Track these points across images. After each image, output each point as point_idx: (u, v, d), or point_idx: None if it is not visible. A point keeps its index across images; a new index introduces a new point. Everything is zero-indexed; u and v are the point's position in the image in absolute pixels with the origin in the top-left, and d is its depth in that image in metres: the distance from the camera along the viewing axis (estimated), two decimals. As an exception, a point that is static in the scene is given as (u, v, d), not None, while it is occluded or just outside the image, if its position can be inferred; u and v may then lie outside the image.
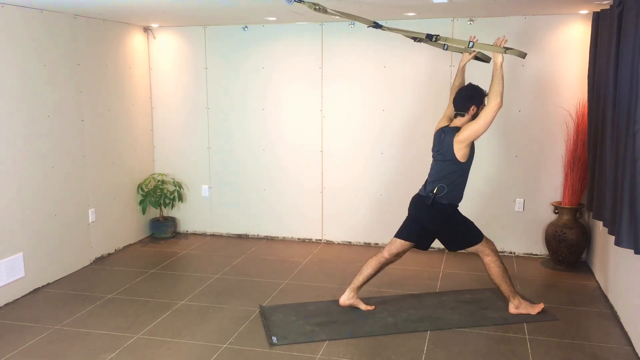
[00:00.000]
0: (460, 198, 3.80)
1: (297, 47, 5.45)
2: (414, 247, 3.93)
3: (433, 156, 3.85)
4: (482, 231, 3.88)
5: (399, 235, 3.92)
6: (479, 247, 3.81)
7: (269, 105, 5.61)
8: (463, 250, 3.95)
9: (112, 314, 3.96)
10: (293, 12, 4.42)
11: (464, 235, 3.82)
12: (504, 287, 3.84)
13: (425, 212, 3.77)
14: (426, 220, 3.81)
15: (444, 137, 3.74)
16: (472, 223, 3.88)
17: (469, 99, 3.72)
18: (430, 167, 3.86)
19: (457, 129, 3.67)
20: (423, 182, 3.87)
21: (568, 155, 4.82)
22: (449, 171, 3.70)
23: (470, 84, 3.81)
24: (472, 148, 3.72)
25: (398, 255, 3.93)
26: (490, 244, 3.85)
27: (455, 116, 3.78)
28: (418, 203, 3.84)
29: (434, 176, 3.76)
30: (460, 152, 3.65)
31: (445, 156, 3.70)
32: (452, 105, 3.85)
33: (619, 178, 3.33)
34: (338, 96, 5.43)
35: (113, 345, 3.49)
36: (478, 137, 3.62)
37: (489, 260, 3.81)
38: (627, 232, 3.17)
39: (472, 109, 3.70)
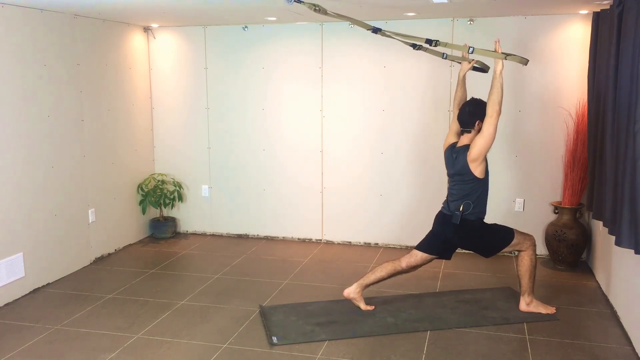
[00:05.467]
0: (485, 211, 3.80)
1: (297, 47, 5.45)
2: (437, 258, 3.93)
3: (449, 175, 3.82)
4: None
5: (421, 248, 3.89)
6: (514, 244, 3.80)
7: (269, 105, 5.61)
8: (500, 253, 3.91)
9: (112, 314, 3.96)
10: (293, 12, 4.42)
11: (494, 240, 3.82)
12: (525, 282, 3.86)
13: (454, 229, 3.74)
14: (454, 237, 3.79)
15: (455, 157, 3.72)
16: (498, 226, 3.88)
17: (472, 114, 3.69)
18: (449, 187, 3.84)
19: (467, 147, 3.65)
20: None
21: (568, 155, 4.82)
22: (471, 189, 3.68)
23: (472, 99, 3.79)
24: (485, 159, 3.71)
25: (415, 268, 3.92)
26: (529, 238, 3.85)
27: (462, 132, 3.76)
28: (444, 221, 3.81)
29: (456, 195, 3.73)
30: (477, 169, 3.64)
31: (465, 177, 3.67)
32: (456, 120, 3.84)
33: (619, 178, 3.33)
34: (338, 96, 5.43)
35: (113, 345, 3.49)
36: (488, 149, 3.61)
37: (524, 253, 3.83)
38: (627, 232, 3.17)
39: (478, 124, 3.68)
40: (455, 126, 3.87)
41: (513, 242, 3.79)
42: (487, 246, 3.85)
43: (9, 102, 4.14)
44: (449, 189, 3.83)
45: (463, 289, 4.41)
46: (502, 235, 3.81)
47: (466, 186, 3.69)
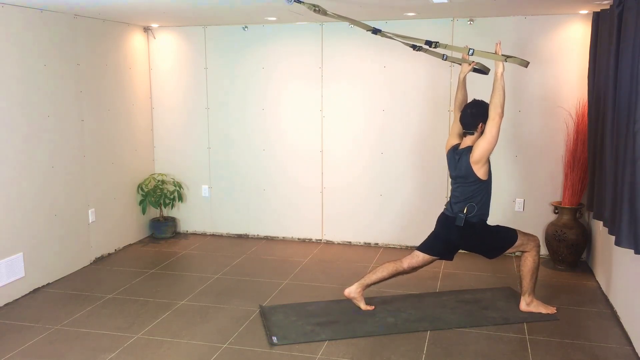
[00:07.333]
0: (488, 213, 3.80)
1: (297, 47, 5.45)
2: (439, 259, 3.93)
3: (452, 177, 3.82)
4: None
5: (423, 249, 3.88)
6: (518, 245, 3.80)
7: (269, 105, 5.61)
8: (505, 253, 3.90)
9: (112, 314, 3.96)
10: (293, 12, 4.42)
11: (497, 242, 3.82)
12: (526, 282, 3.85)
13: (457, 232, 3.73)
14: (457, 240, 3.79)
15: (458, 158, 3.72)
16: (501, 227, 3.89)
17: (475, 116, 3.68)
18: (452, 189, 3.84)
19: (470, 149, 3.65)
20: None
21: (568, 155, 4.82)
22: (474, 191, 3.68)
23: (474, 101, 3.77)
24: (488, 161, 3.71)
25: (416, 269, 3.92)
26: (533, 239, 3.84)
27: (465, 134, 3.75)
28: (447, 223, 3.79)
29: (459, 197, 3.73)
30: (480, 171, 3.64)
31: (467, 179, 3.67)
32: (458, 122, 3.82)
33: (619, 178, 3.33)
34: (338, 96, 5.43)
35: (113, 345, 3.49)
36: (491, 152, 3.60)
37: (527, 254, 3.83)
38: (627, 232, 3.17)
39: (480, 126, 3.67)
40: (457, 128, 3.86)
41: (517, 244, 3.79)
42: (491, 248, 3.85)
43: (9, 102, 4.14)
44: (452, 190, 3.82)
45: (463, 289, 4.41)
46: (505, 237, 3.81)
47: (469, 188, 3.68)
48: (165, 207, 5.92)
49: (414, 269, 3.90)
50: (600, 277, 4.46)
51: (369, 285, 3.96)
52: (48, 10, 4.45)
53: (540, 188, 5.08)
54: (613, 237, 3.42)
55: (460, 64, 4.05)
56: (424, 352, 3.40)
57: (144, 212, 5.66)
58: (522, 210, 5.15)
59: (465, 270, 4.83)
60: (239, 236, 5.91)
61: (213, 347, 3.45)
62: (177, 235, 5.98)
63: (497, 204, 5.10)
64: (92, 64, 5.01)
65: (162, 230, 5.85)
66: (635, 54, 3.12)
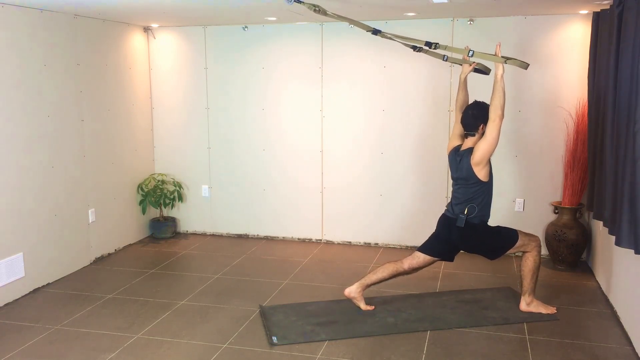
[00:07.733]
0: (489, 214, 3.80)
1: (297, 47, 5.45)
2: (440, 259, 3.93)
3: (453, 178, 3.82)
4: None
5: (424, 250, 3.89)
6: (519, 246, 3.80)
7: (269, 105, 5.61)
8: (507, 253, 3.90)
9: (112, 314, 3.96)
10: (293, 12, 4.42)
11: (498, 243, 3.82)
12: (527, 282, 3.85)
13: (458, 233, 3.73)
14: (458, 241, 3.79)
15: (459, 160, 3.72)
16: (502, 228, 3.89)
17: (476, 118, 3.68)
18: (453, 190, 3.84)
19: (471, 151, 3.65)
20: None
21: (568, 155, 4.82)
22: (475, 192, 3.68)
23: (476, 103, 3.77)
24: (489, 162, 3.71)
25: (417, 270, 3.92)
26: (534, 239, 3.84)
27: (466, 136, 3.75)
28: (448, 224, 3.80)
29: (461, 199, 3.73)
30: (481, 173, 3.64)
31: (468, 180, 3.68)
32: (460, 123, 3.82)
33: (619, 178, 3.34)
34: (338, 96, 5.43)
35: (113, 345, 3.49)
36: (491, 153, 3.61)
37: (528, 254, 3.83)
38: (627, 232, 3.17)
39: (481, 128, 3.67)
40: (458, 129, 3.86)
41: (518, 244, 3.79)
42: (492, 249, 3.85)
43: (9, 102, 4.14)
44: (453, 192, 3.82)
45: (463, 289, 4.41)
46: (506, 238, 3.81)
47: (470, 189, 3.69)
48: (165, 207, 5.92)
49: (414, 269, 3.90)
50: (600, 277, 4.46)
51: (369, 286, 3.96)
52: (48, 11, 4.45)
53: (540, 188, 5.08)
54: (613, 237, 3.42)
55: (461, 65, 4.06)
56: (424, 352, 3.40)
57: (144, 212, 5.66)
58: (522, 210, 5.15)
59: (465, 270, 4.83)
60: (239, 236, 5.91)
61: (213, 347, 3.45)
62: (177, 235, 5.98)
63: (497, 204, 5.08)
64: (92, 64, 5.01)
65: (162, 230, 5.85)
66: (635, 54, 3.12)
